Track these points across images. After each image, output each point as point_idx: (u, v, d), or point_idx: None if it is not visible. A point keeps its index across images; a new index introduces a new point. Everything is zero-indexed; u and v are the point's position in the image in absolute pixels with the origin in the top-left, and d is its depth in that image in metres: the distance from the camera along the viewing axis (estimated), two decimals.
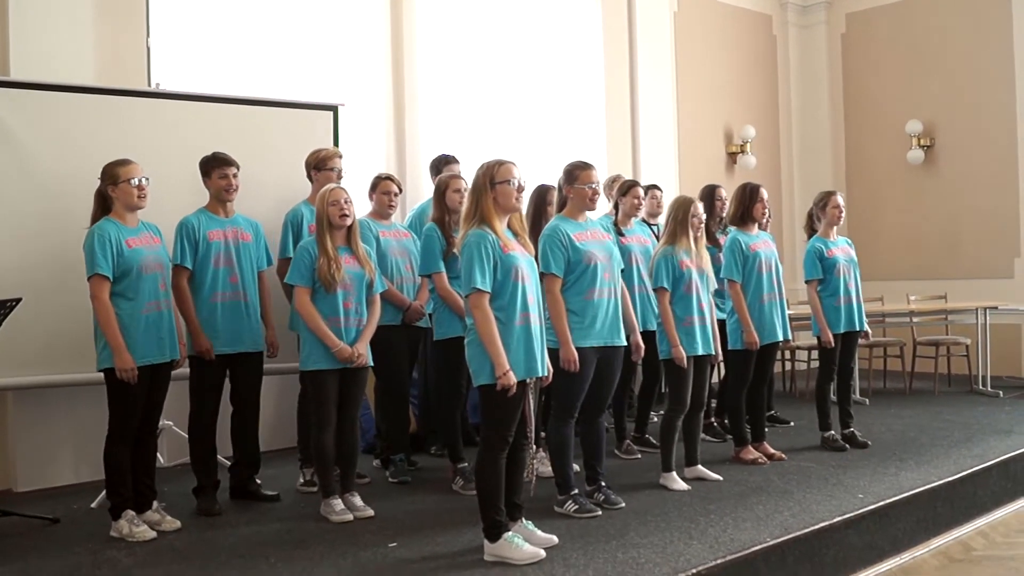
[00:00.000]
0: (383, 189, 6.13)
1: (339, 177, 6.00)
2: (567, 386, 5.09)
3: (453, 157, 7.07)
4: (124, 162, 5.03)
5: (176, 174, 5.83)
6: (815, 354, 9.33)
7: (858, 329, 6.88)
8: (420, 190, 8.02)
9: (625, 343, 5.32)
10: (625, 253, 6.27)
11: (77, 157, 5.90)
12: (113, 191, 4.99)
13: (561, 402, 5.20)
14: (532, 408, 4.55)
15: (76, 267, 5.18)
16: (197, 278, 5.50)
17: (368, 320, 5.37)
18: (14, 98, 5.89)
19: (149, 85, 6.76)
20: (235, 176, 5.60)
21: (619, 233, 6.52)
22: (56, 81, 6.08)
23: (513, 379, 4.32)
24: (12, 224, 5.85)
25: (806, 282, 6.93)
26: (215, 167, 5.57)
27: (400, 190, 6.30)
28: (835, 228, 6.94)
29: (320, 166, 6.09)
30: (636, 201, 6.69)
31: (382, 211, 6.14)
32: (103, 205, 5.05)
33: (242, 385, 5.69)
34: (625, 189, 6.73)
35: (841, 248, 6.91)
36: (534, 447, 4.63)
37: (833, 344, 6.78)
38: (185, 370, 5.49)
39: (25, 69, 6.23)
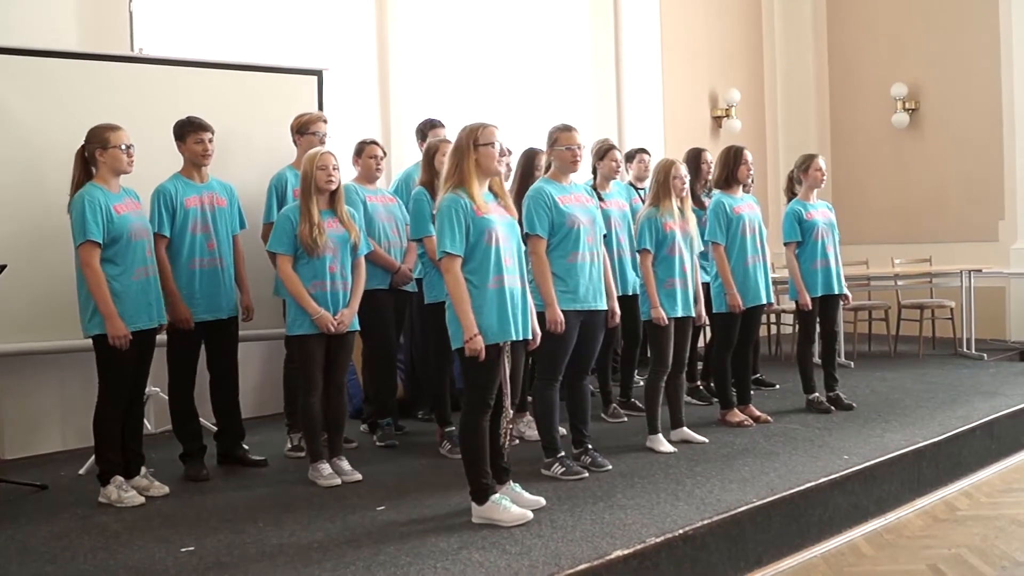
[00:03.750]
0: (369, 153, 6.11)
1: (322, 142, 5.95)
2: (551, 348, 5.08)
3: (439, 121, 7.01)
4: (114, 127, 4.98)
5: (159, 140, 5.74)
6: None
7: (836, 293, 6.87)
8: (405, 155, 7.97)
9: (606, 307, 5.34)
10: (605, 217, 6.23)
11: (59, 123, 5.84)
12: (102, 155, 4.94)
13: (545, 364, 5.22)
14: (507, 371, 4.53)
15: (57, 233, 5.16)
16: (175, 245, 5.45)
17: (354, 286, 5.36)
18: None
19: (132, 50, 6.67)
20: (210, 141, 5.54)
21: (599, 198, 6.48)
22: (38, 46, 6.00)
23: (480, 344, 4.32)
24: None
25: (785, 244, 6.93)
26: (190, 132, 5.51)
27: (384, 154, 6.27)
28: (815, 191, 6.94)
29: (303, 130, 6.07)
30: (614, 164, 6.64)
31: (369, 175, 6.12)
32: (86, 169, 4.99)
33: (219, 351, 5.69)
34: (602, 153, 6.66)
35: (820, 211, 6.90)
36: (511, 411, 4.62)
37: (810, 307, 6.80)
38: (164, 337, 5.46)
39: (6, 34, 6.12)
